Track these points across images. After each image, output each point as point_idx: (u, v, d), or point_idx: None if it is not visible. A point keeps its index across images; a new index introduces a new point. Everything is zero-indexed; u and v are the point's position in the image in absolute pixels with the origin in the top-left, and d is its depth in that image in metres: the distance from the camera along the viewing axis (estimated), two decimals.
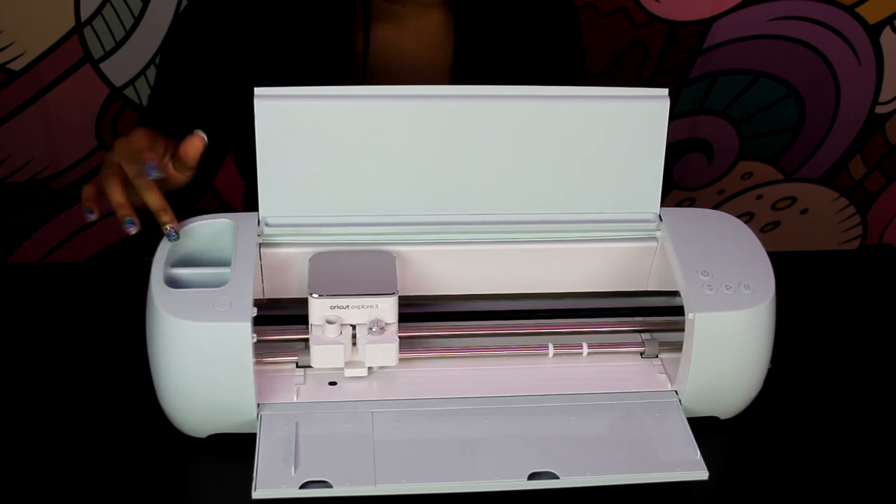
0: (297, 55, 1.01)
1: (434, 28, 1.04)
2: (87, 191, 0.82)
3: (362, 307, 0.78)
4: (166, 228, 0.80)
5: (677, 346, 0.80)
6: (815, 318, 1.02)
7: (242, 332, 0.73)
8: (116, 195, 0.80)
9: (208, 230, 0.83)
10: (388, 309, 0.78)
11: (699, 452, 0.76)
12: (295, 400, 0.79)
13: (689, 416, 0.80)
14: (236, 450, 0.78)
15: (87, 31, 1.44)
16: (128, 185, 0.81)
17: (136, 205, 0.80)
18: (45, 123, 1.51)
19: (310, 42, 1.01)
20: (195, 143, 0.81)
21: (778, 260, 0.83)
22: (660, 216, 0.85)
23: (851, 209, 1.79)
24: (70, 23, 1.43)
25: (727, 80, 1.62)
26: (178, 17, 1.05)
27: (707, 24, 1.56)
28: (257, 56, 1.02)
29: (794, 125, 1.68)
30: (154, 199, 0.80)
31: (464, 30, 1.04)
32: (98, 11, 1.42)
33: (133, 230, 0.79)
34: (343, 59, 1.02)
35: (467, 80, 1.04)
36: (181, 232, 0.81)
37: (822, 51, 1.60)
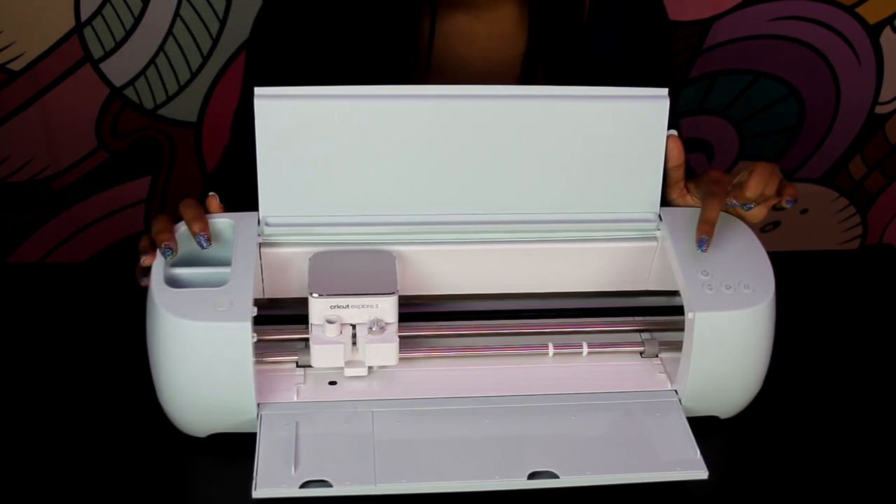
0: (365, 42, 1.01)
1: (507, 21, 1.03)
2: (142, 245, 0.82)
3: (362, 307, 0.78)
4: (199, 238, 0.80)
5: (677, 346, 0.80)
6: (815, 318, 1.02)
7: (242, 332, 0.73)
8: (161, 223, 0.81)
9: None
10: (388, 309, 0.78)
11: (699, 452, 0.76)
12: (295, 399, 0.79)
13: (689, 415, 0.80)
14: (236, 450, 0.78)
15: (87, 31, 1.44)
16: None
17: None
18: (45, 123, 1.51)
19: (377, 29, 1.01)
20: (213, 205, 0.83)
21: (778, 260, 0.83)
22: (660, 216, 0.85)
23: (851, 209, 1.79)
24: (70, 23, 1.43)
25: (727, 80, 1.62)
26: (257, 21, 1.06)
27: (707, 24, 1.56)
28: (330, 46, 1.02)
29: (794, 125, 1.68)
30: (192, 211, 0.81)
31: (538, 25, 1.03)
32: (98, 11, 1.42)
33: (169, 257, 0.79)
34: (409, 46, 1.01)
35: (537, 76, 1.03)
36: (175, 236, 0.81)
37: (822, 51, 1.60)
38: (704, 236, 0.81)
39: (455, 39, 1.03)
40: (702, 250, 0.81)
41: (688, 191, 0.89)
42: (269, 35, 1.06)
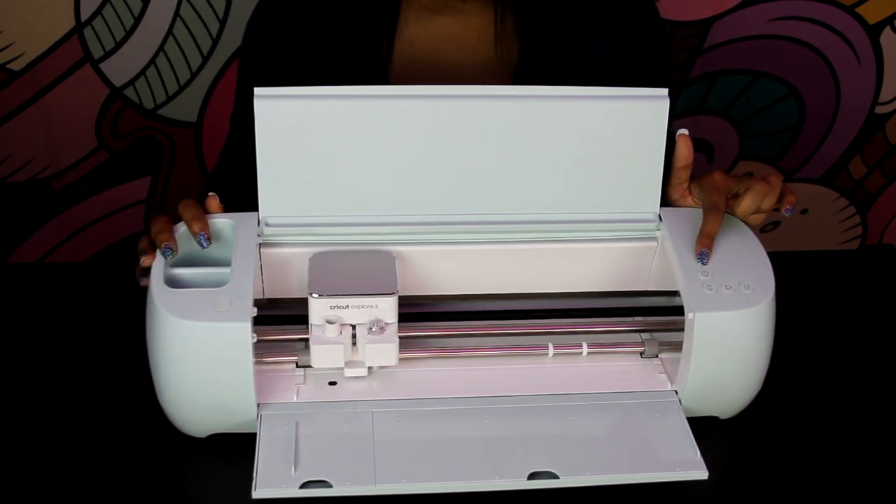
0: (346, 46, 1.01)
1: (499, 26, 1.03)
2: (141, 245, 0.82)
3: (362, 307, 0.78)
4: (199, 237, 0.80)
5: (677, 346, 0.80)
6: (815, 318, 1.02)
7: (242, 332, 0.73)
8: (160, 223, 0.81)
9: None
10: (388, 309, 0.78)
11: (699, 452, 0.76)
12: (295, 400, 0.79)
13: (689, 415, 0.80)
14: (236, 450, 0.78)
15: (87, 31, 1.44)
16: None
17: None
18: (45, 123, 1.51)
19: (358, 32, 1.01)
20: (213, 206, 0.83)
21: (778, 260, 0.83)
22: (660, 216, 0.85)
23: (851, 209, 1.79)
24: (70, 23, 1.43)
25: (727, 80, 1.62)
26: (249, 25, 1.06)
27: (707, 24, 1.56)
28: (319, 50, 1.02)
29: (794, 125, 1.68)
30: (191, 211, 0.81)
31: (531, 31, 1.02)
32: (98, 11, 1.43)
33: (169, 257, 0.79)
34: (390, 51, 1.02)
35: (531, 81, 1.03)
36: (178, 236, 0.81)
37: (822, 51, 1.60)
38: (705, 250, 0.81)
39: (445, 43, 1.03)
40: (702, 263, 0.81)
41: (689, 192, 0.89)
42: (260, 40, 1.06)
